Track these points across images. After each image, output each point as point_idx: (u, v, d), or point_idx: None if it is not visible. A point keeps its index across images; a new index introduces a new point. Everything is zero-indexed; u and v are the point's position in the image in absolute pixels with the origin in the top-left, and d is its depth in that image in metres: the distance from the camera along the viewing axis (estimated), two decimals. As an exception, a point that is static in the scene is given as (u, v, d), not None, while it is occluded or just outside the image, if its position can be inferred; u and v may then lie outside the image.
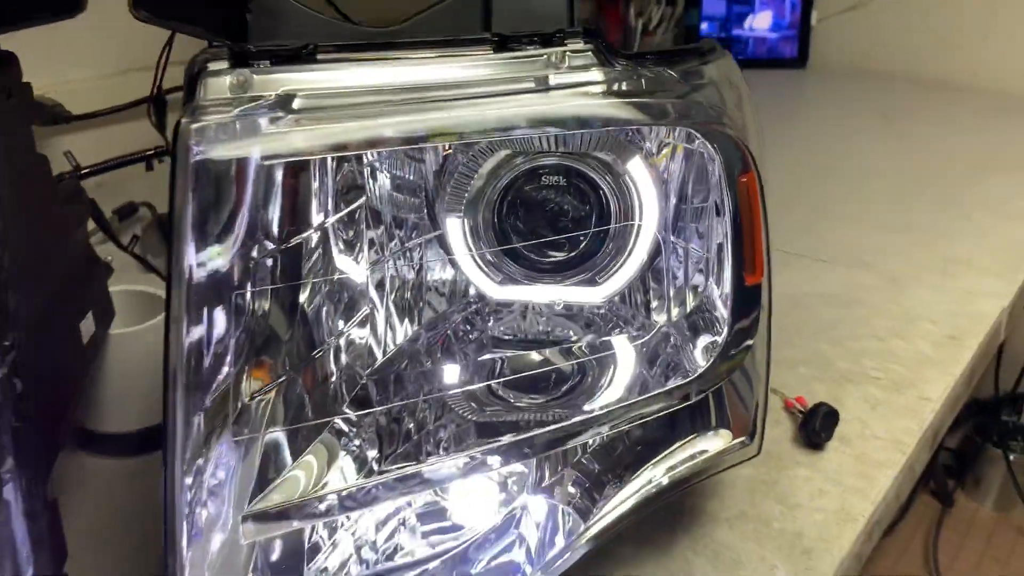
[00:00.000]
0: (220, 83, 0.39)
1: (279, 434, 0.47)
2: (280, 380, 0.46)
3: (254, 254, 0.41)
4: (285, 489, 0.46)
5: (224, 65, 0.39)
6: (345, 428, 0.52)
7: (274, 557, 0.47)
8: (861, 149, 1.38)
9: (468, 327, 0.60)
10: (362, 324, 0.52)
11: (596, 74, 0.44)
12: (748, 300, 0.51)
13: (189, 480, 0.40)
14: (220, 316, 0.40)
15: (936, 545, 1.74)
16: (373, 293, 0.52)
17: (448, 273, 0.57)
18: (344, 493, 0.48)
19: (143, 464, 0.62)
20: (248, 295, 0.41)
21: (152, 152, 0.94)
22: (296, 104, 0.39)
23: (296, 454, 0.47)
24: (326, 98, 0.40)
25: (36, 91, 0.52)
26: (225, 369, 0.41)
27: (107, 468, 0.63)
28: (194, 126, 0.37)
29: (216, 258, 0.39)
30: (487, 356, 0.58)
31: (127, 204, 0.93)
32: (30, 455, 0.42)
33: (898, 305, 0.87)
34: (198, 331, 0.39)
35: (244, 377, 0.43)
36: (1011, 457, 1.76)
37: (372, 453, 0.52)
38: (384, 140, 0.42)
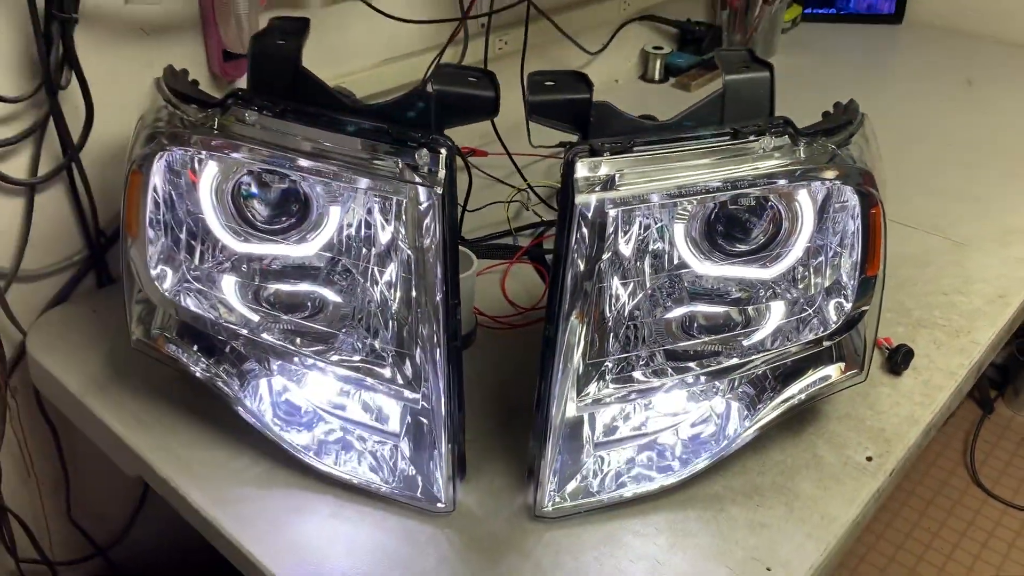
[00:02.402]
0: (583, 166, 0.70)
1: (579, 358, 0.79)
2: (588, 322, 0.77)
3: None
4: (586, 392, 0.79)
5: (586, 155, 0.70)
6: (605, 354, 0.84)
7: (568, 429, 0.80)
8: (943, 115, 1.62)
9: (671, 288, 0.91)
10: (624, 286, 0.83)
11: (786, 152, 0.74)
12: (866, 283, 0.81)
13: (558, 381, 0.73)
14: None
15: (974, 444, 2.06)
16: (635, 263, 0.82)
17: (663, 248, 0.88)
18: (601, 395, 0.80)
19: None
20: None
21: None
22: (617, 178, 0.70)
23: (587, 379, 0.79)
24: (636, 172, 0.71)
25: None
26: (574, 315, 0.73)
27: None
28: (578, 196, 0.68)
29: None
30: (682, 308, 0.89)
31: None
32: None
33: (961, 267, 1.16)
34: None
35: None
36: (1047, 375, 2.05)
37: (614, 369, 0.84)
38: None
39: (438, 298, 0.72)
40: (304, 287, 0.86)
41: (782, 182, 0.76)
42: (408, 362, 0.77)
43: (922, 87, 1.77)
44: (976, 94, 1.72)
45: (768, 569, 0.73)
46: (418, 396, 0.77)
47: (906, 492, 1.95)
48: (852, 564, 1.77)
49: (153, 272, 0.81)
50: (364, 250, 0.81)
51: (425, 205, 0.69)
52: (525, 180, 1.25)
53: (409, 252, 0.73)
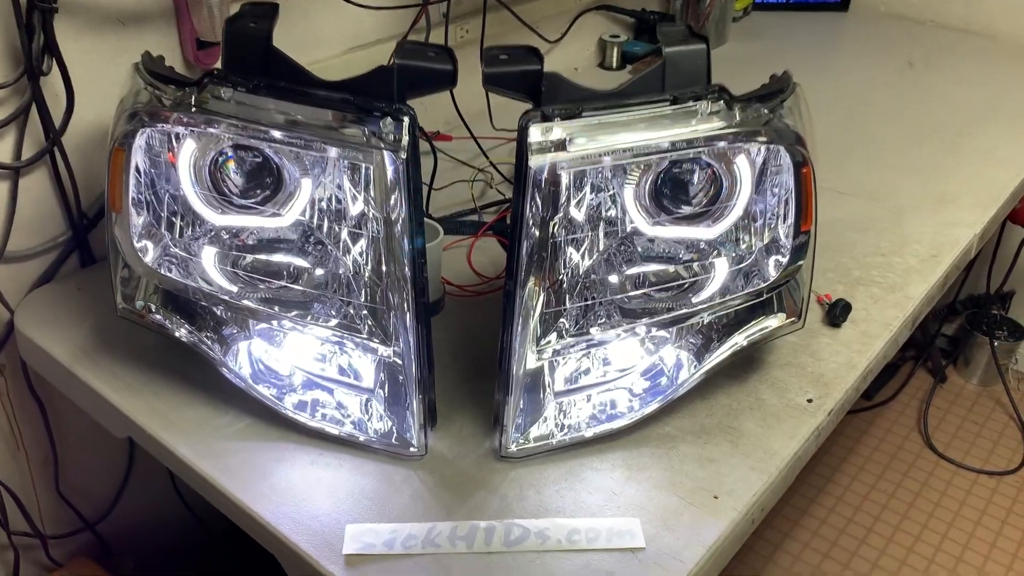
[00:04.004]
0: (536, 130, 0.76)
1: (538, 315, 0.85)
2: (545, 286, 0.84)
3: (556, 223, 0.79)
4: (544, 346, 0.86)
5: (539, 120, 0.76)
6: (562, 310, 0.91)
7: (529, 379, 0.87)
8: (885, 95, 1.71)
9: (622, 250, 0.98)
10: (577, 248, 0.90)
11: (724, 116, 0.81)
12: (801, 238, 0.89)
13: (518, 335, 0.80)
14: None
15: (927, 411, 2.15)
16: (588, 229, 0.89)
17: (615, 215, 0.95)
18: (559, 347, 0.87)
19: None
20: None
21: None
22: (569, 141, 0.76)
23: (546, 332, 0.86)
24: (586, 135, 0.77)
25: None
26: (531, 280, 0.80)
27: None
28: (532, 158, 0.75)
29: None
30: (635, 268, 0.96)
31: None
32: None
33: (898, 231, 1.24)
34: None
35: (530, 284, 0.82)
36: (995, 344, 2.15)
37: (570, 324, 0.91)
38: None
39: (406, 260, 0.78)
40: (278, 256, 0.91)
41: (721, 144, 0.83)
42: (381, 323, 0.83)
43: (866, 70, 1.85)
44: (917, 76, 1.81)
45: (715, 497, 0.80)
46: (391, 351, 0.83)
47: (863, 458, 2.03)
48: (813, 526, 1.85)
49: (137, 245, 0.87)
50: (336, 223, 0.87)
51: (391, 170, 0.75)
52: (488, 158, 1.31)
53: (377, 216, 0.79)
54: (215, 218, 0.89)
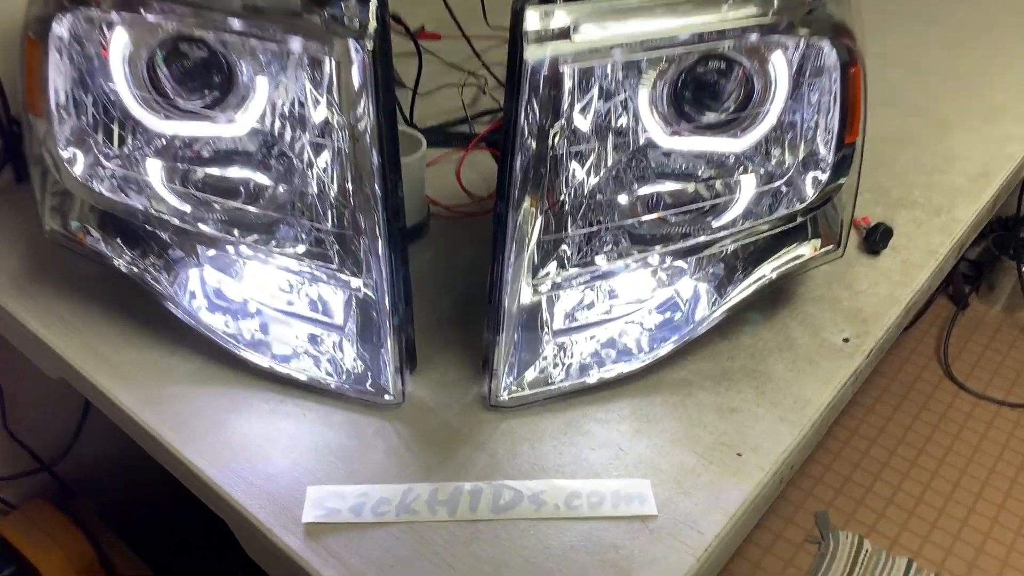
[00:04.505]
0: (534, 14, 0.62)
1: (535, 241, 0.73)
2: (543, 208, 0.71)
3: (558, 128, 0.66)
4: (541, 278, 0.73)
5: (536, 2, 0.62)
6: (563, 236, 0.78)
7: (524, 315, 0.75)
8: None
9: (633, 165, 0.85)
10: (581, 163, 0.77)
11: (758, 2, 0.66)
12: (845, 151, 0.75)
13: (511, 265, 0.67)
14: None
15: (948, 340, 2.04)
16: (595, 141, 0.76)
17: (627, 124, 0.81)
18: (559, 279, 0.75)
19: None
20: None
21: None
22: (574, 29, 0.63)
23: (544, 262, 0.74)
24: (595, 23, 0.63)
25: None
26: (527, 201, 0.67)
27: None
28: (528, 50, 0.61)
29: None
30: (648, 187, 0.83)
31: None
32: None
33: (943, 146, 1.10)
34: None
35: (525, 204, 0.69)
36: (1023, 268, 2.02)
37: (571, 253, 0.78)
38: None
39: (375, 176, 0.66)
40: (235, 171, 0.78)
41: (754, 36, 0.69)
42: (350, 250, 0.71)
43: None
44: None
45: (739, 454, 0.69)
46: (361, 282, 0.70)
47: (880, 388, 1.93)
48: (826, 460, 1.76)
49: (63, 155, 0.74)
50: (299, 131, 0.74)
51: (356, 62, 0.61)
52: (481, 60, 1.17)
53: (342, 122, 0.66)
54: (157, 124, 0.75)
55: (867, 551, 1.59)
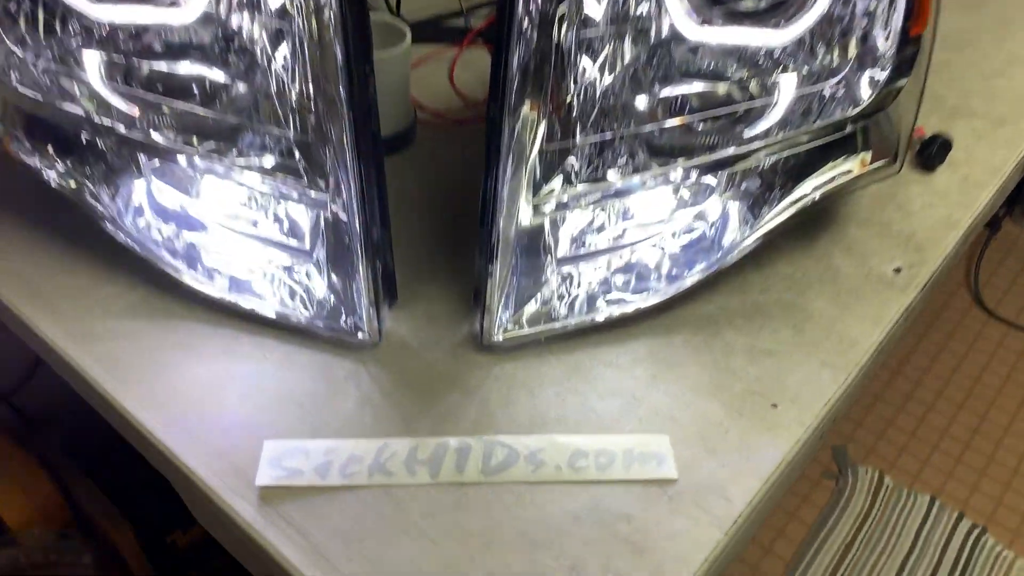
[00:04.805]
0: None
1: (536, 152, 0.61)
2: (546, 112, 0.59)
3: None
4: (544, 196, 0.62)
5: None
6: (570, 146, 0.66)
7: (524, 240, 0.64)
8: None
9: (654, 62, 0.72)
10: (593, 58, 0.64)
11: None
12: (910, 46, 0.63)
13: (506, 180, 0.56)
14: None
15: (979, 265, 1.92)
16: (609, 32, 0.64)
17: (648, 12, 0.68)
18: (564, 197, 0.63)
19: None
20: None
21: None
22: None
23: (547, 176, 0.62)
24: None
25: None
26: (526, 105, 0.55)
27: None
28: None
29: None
30: (672, 89, 0.71)
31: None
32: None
33: (1003, 48, 0.96)
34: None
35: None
36: (1063, 188, 1.89)
37: (580, 166, 0.67)
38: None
39: (340, 74, 0.54)
40: (186, 67, 0.66)
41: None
42: (317, 163, 0.59)
43: None
44: None
45: (774, 406, 0.59)
46: (328, 198, 0.59)
47: (904, 316, 1.83)
48: (845, 391, 1.67)
49: (-26, 44, 0.62)
50: (255, 16, 0.61)
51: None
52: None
53: (300, 5, 0.54)
54: (89, 8, 0.63)
55: (887, 487, 1.51)
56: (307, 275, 0.65)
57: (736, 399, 0.59)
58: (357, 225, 0.58)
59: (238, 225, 0.68)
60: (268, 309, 0.63)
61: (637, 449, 0.56)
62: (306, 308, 0.64)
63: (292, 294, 0.64)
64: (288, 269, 0.66)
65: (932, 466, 1.55)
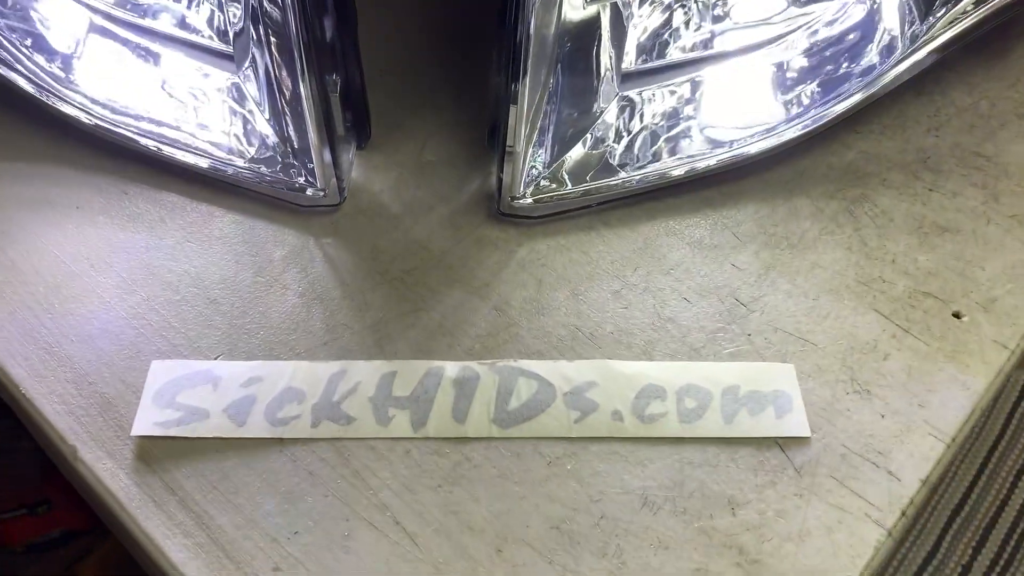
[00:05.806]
0: None
1: None
2: None
3: None
4: None
5: None
6: None
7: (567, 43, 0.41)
8: None
9: None
10: None
11: None
12: None
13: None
14: None
15: None
16: None
17: None
18: None
19: None
20: None
21: None
22: None
23: None
24: None
25: None
26: None
27: None
28: None
29: None
30: None
31: None
32: None
33: None
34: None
35: None
36: None
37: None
38: None
39: None
40: None
41: None
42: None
43: None
44: None
45: (957, 315, 0.37)
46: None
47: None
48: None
49: None
50: None
51: None
52: None
53: None
54: None
55: None
56: (232, 96, 0.43)
57: (899, 304, 0.37)
58: (293, 27, 0.35)
59: (132, 18, 0.45)
60: (176, 148, 0.42)
61: (744, 387, 0.35)
62: (234, 150, 0.42)
63: (211, 127, 0.42)
64: (209, 91, 0.44)
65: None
